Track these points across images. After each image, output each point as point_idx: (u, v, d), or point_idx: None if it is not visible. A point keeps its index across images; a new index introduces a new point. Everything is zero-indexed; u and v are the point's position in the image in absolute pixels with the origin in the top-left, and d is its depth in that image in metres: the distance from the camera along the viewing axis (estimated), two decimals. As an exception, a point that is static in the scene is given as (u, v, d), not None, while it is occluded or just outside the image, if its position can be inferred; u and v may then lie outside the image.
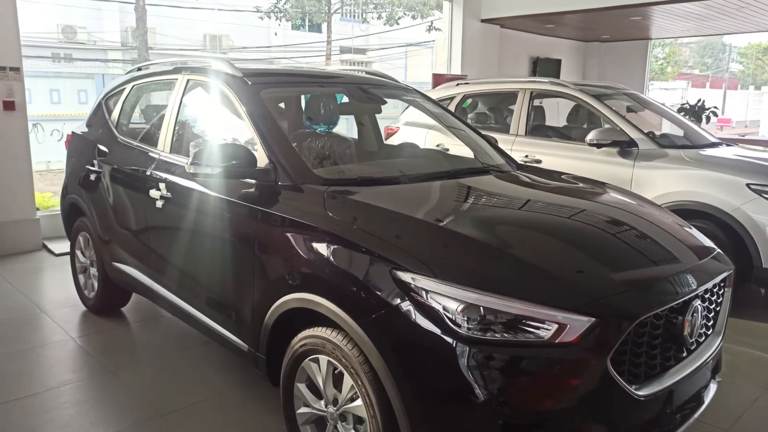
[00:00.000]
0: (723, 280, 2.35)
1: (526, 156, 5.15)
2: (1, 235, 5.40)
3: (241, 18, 21.85)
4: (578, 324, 1.76)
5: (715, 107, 8.82)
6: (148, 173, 3.18)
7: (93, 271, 4.00)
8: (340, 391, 2.16)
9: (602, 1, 8.38)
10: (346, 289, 2.04)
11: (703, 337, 2.25)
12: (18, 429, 2.70)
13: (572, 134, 5.65)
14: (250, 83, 2.87)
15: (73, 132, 4.25)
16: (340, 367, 2.11)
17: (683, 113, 8.73)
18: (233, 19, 21.89)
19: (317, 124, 3.73)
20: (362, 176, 2.55)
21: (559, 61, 11.78)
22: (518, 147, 5.26)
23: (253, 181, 2.54)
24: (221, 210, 2.68)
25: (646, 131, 4.87)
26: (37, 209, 5.86)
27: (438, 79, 8.73)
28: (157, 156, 3.21)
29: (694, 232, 2.55)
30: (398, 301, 1.88)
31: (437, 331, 1.81)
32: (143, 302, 4.18)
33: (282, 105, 3.79)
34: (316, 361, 2.23)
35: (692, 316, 2.05)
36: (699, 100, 8.98)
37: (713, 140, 5.22)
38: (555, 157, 5.02)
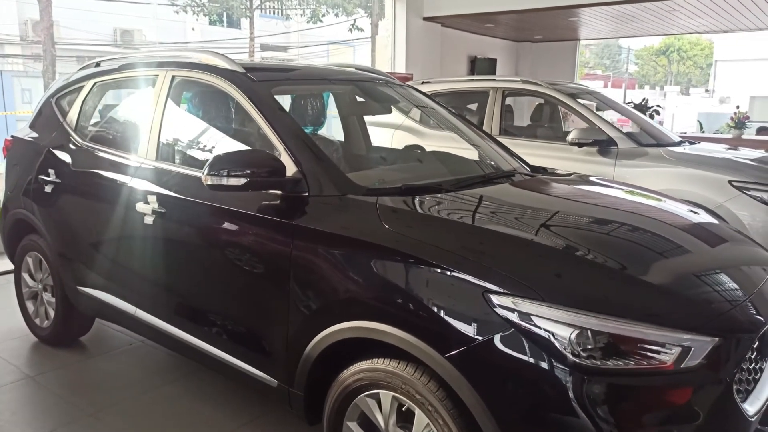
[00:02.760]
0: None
1: (502, 156, 5.04)
2: None
3: (154, 12, 20.59)
4: (702, 345, 1.61)
5: (658, 106, 9.20)
6: (130, 184, 2.75)
7: (47, 296, 3.47)
8: (406, 429, 1.90)
9: (540, 1, 8.51)
10: (425, 316, 1.78)
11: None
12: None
13: (539, 133, 5.63)
14: (255, 80, 2.53)
15: (13, 136, 3.67)
16: (410, 404, 1.85)
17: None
18: (146, 13, 20.60)
19: (303, 125, 3.43)
20: (405, 185, 2.27)
21: (494, 61, 11.91)
22: (493, 147, 5.14)
23: (279, 193, 2.22)
24: (236, 226, 2.33)
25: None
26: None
27: (386, 78, 8.53)
28: (138, 164, 2.78)
29: (747, 235, 2.49)
30: (497, 329, 1.65)
31: (547, 361, 1.59)
32: (103, 329, 3.70)
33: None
34: (375, 396, 1.96)
35: (772, 323, 1.96)
36: (643, 99, 9.33)
37: (676, 138, 5.34)
38: (533, 156, 4.89)
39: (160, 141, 2.75)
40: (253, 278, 2.28)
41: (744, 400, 1.79)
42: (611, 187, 2.85)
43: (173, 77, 2.81)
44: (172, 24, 21.22)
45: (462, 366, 1.70)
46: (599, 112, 5.62)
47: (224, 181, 2.11)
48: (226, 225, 2.37)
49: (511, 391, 1.66)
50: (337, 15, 22.11)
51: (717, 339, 1.62)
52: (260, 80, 2.54)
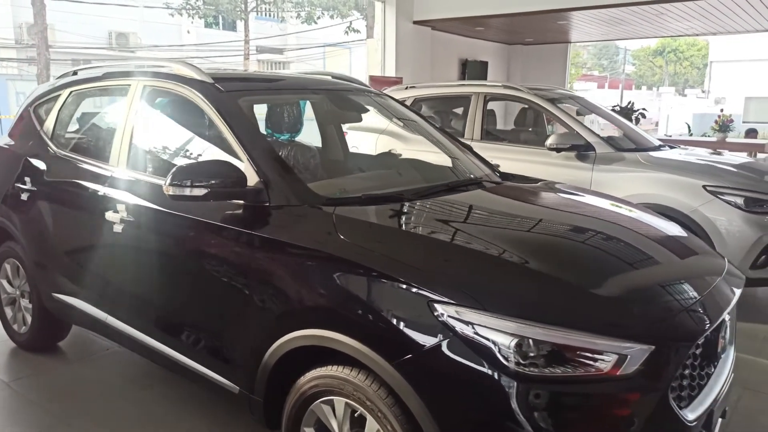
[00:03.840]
0: (735, 290, 2.34)
1: (483, 161, 5.08)
2: None
3: (149, 15, 20.65)
4: (639, 353, 1.65)
5: (644, 109, 9.25)
6: (100, 192, 2.79)
7: (25, 303, 3.51)
8: (359, 435, 1.94)
9: (530, 5, 8.57)
10: (373, 325, 1.82)
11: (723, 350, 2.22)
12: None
13: (522, 138, 5.68)
14: (223, 90, 2.57)
15: (-11, 144, 3.71)
16: (361, 410, 1.89)
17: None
18: (141, 16, 20.65)
19: (280, 133, 3.47)
20: (366, 194, 2.32)
21: (485, 63, 11.97)
22: (474, 152, 5.19)
23: (241, 202, 2.26)
24: (200, 235, 2.37)
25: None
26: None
27: (375, 82, 8.57)
28: (110, 173, 2.82)
29: (704, 244, 2.53)
30: (440, 337, 1.69)
31: (487, 368, 1.63)
32: (82, 335, 3.73)
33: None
34: (330, 403, 1.99)
35: (724, 331, 2.01)
36: (629, 102, 9.38)
37: (656, 143, 5.39)
38: (513, 161, 4.97)
39: (130, 150, 2.79)
40: (216, 286, 2.31)
41: (686, 405, 1.83)
42: (574, 194, 2.89)
43: (144, 87, 2.85)
44: (168, 27, 21.28)
45: (407, 373, 1.74)
46: (580, 117, 5.68)
47: (186, 192, 2.15)
48: (191, 234, 2.41)
49: (453, 399, 1.70)
50: (332, 17, 22.17)
51: (654, 347, 1.66)
52: (228, 90, 2.58)
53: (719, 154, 5.73)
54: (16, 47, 18.77)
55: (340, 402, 1.96)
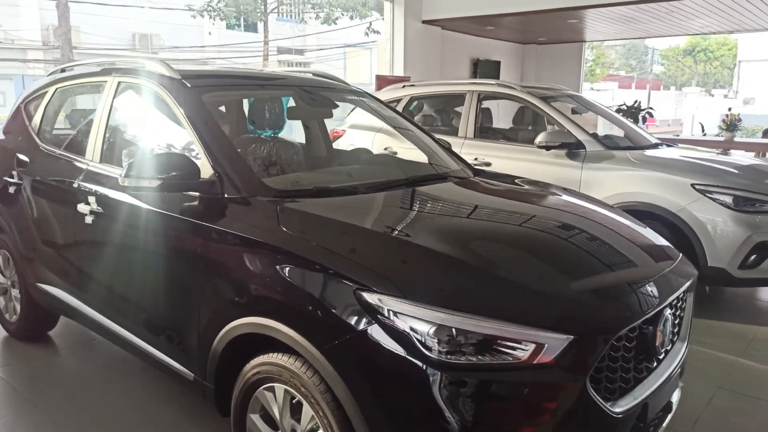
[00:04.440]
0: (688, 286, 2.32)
1: (476, 159, 5.08)
2: None
3: (172, 17, 21.03)
4: (556, 343, 1.66)
5: (651, 108, 9.12)
6: (75, 185, 2.89)
7: (15, 292, 3.64)
8: (298, 421, 1.98)
9: (539, 3, 8.51)
10: (304, 312, 1.87)
11: (670, 345, 2.20)
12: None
13: (519, 136, 5.65)
14: (189, 86, 2.64)
15: (-13, 140, 3.85)
16: (299, 396, 1.93)
17: (620, 114, 8.98)
18: (164, 18, 21.04)
19: (262, 129, 3.53)
20: (317, 186, 2.37)
21: (498, 63, 11.92)
22: (467, 150, 5.19)
23: (197, 194, 2.32)
24: (161, 226, 2.44)
25: (591, 133, 4.91)
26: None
27: (381, 81, 8.63)
28: (85, 166, 2.92)
29: (658, 238, 2.51)
30: (364, 324, 1.73)
31: (407, 355, 1.66)
32: (73, 325, 3.84)
33: (223, 108, 3.57)
34: (272, 390, 2.04)
35: (663, 325, 2.00)
36: (635, 101, 9.27)
37: (654, 141, 5.32)
38: (505, 159, 4.99)
39: (104, 144, 2.89)
40: (172, 276, 2.39)
41: (617, 397, 1.83)
42: (536, 190, 2.89)
43: (119, 83, 2.95)
44: (190, 28, 21.64)
45: (334, 360, 1.78)
46: (576, 115, 5.64)
47: (141, 183, 2.23)
48: (152, 225, 2.48)
49: (376, 385, 1.73)
50: (351, 18, 22.29)
51: (572, 337, 1.67)
52: (193, 86, 2.65)
53: (726, 154, 5.64)
54: (43, 49, 19.31)
55: (280, 389, 2.00)
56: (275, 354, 1.99)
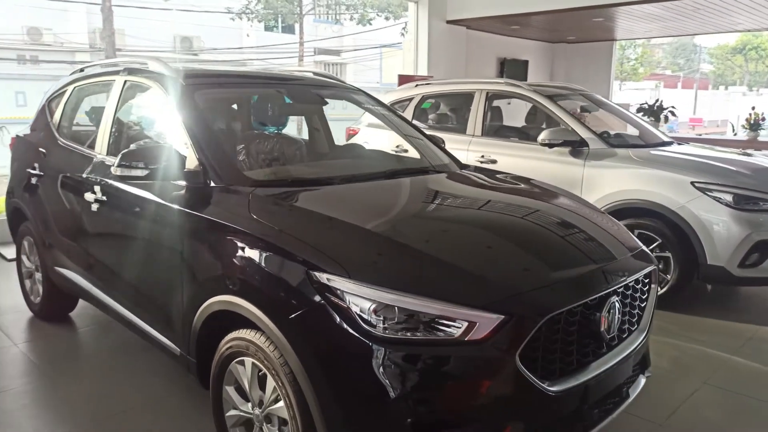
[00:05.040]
0: (647, 277, 2.39)
1: (482, 156, 5.18)
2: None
3: (212, 19, 21.66)
4: (487, 321, 1.78)
5: (673, 107, 8.97)
6: (84, 176, 3.14)
7: (38, 276, 3.93)
8: (264, 393, 2.14)
9: (564, 2, 8.49)
10: (265, 290, 2.04)
11: (627, 333, 2.28)
12: (-55, 439, 2.65)
13: (530, 135, 5.70)
14: (184, 84, 2.84)
15: (17, 135, 4.17)
16: (264, 369, 2.09)
17: (642, 113, 8.87)
18: (204, 21, 21.68)
19: (266, 126, 3.73)
20: (294, 177, 2.53)
21: (526, 62, 11.88)
22: (474, 147, 5.29)
23: (184, 183, 2.52)
24: (152, 213, 2.64)
25: (600, 131, 4.94)
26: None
27: (403, 80, 8.75)
28: (93, 158, 3.17)
29: (621, 230, 2.58)
30: (314, 302, 1.88)
31: (350, 330, 1.81)
32: (91, 307, 4.11)
33: (235, 106, 3.77)
34: (242, 363, 2.21)
35: (609, 312, 2.08)
36: (657, 100, 9.13)
37: (666, 139, 5.30)
38: (510, 157, 5.07)
39: (110, 138, 3.13)
40: (161, 258, 2.59)
41: (556, 377, 1.93)
42: (512, 184, 2.98)
43: (125, 81, 3.18)
44: (229, 30, 22.23)
45: (288, 333, 1.94)
46: (587, 114, 5.66)
47: (128, 172, 2.44)
48: (146, 211, 2.69)
49: (323, 357, 1.88)
50: (386, 18, 22.47)
51: (502, 317, 1.78)
52: (188, 84, 2.85)
53: (747, 154, 5.56)
54: (89, 51, 20.18)
55: (248, 362, 2.17)
56: (244, 330, 2.16)
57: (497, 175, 3.13)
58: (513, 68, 11.49)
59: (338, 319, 1.83)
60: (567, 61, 12.57)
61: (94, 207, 3.00)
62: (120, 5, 17.46)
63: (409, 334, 1.79)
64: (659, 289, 4.21)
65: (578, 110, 5.66)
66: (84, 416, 2.82)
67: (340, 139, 6.30)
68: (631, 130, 5.58)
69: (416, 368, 1.78)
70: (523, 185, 2.96)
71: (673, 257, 4.20)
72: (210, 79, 3.13)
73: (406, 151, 4.65)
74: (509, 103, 6.04)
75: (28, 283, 4.11)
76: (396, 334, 1.78)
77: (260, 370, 2.13)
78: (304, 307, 1.91)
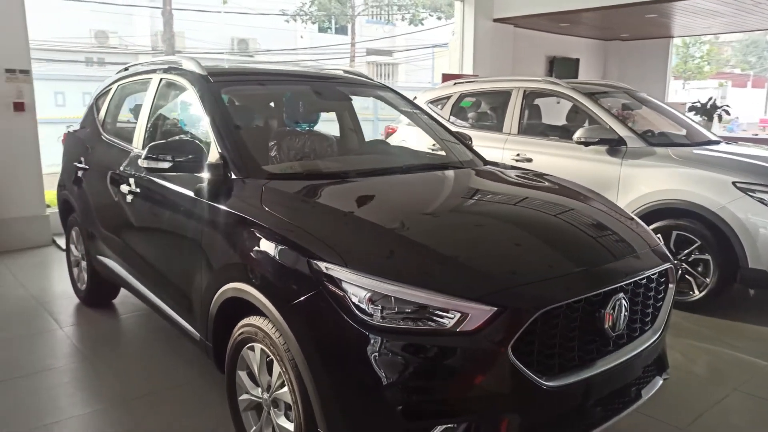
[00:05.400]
0: (662, 275, 2.33)
1: (518, 155, 5.13)
2: (11, 230, 5.65)
3: (267, 21, 22.18)
4: (480, 313, 1.78)
5: (727, 106, 8.57)
6: (121, 169, 3.31)
7: (84, 264, 4.16)
8: (272, 378, 2.21)
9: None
10: (270, 278, 2.11)
11: (639, 332, 2.23)
12: (-11, 411, 2.86)
13: (570, 133, 5.59)
14: (212, 81, 2.96)
15: (68, 131, 4.43)
16: (271, 355, 2.16)
17: (694, 112, 8.52)
18: (260, 23, 22.23)
19: (298, 123, 3.83)
20: (309, 171, 2.60)
21: (577, 61, 11.63)
22: (510, 146, 5.24)
23: (206, 176, 2.62)
24: (178, 203, 2.77)
25: (643, 130, 4.81)
26: (48, 206, 6.09)
27: (447, 80, 8.73)
28: (130, 152, 3.33)
29: (639, 228, 2.52)
30: (314, 290, 1.93)
31: (346, 318, 1.85)
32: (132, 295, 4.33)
33: (272, 104, 3.89)
34: (252, 349, 2.29)
35: (614, 309, 2.04)
36: (710, 99, 8.76)
37: (713, 138, 5.11)
38: (546, 155, 5.00)
39: (145, 133, 3.29)
40: (184, 246, 2.71)
41: (556, 372, 1.91)
42: (527, 182, 2.95)
43: (161, 79, 3.34)
44: (284, 32, 22.71)
45: (289, 319, 2.00)
46: (630, 112, 5.51)
47: (154, 164, 2.56)
48: (172, 202, 2.83)
49: (320, 343, 1.93)
50: (439, 18, 22.42)
51: (495, 309, 1.78)
52: (215, 81, 2.97)
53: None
54: (151, 53, 21.03)
55: (258, 348, 2.24)
56: (255, 317, 2.24)
57: (516, 172, 3.10)
58: (563, 67, 11.28)
59: (335, 306, 1.88)
60: (620, 59, 12.22)
61: (129, 198, 3.16)
62: (180, 8, 18.13)
63: (402, 323, 1.81)
64: (697, 292, 4.11)
65: (620, 108, 5.51)
66: (116, 396, 2.98)
67: (376, 137, 6.35)
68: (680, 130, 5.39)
69: (408, 357, 1.81)
70: (538, 181, 2.93)
71: (712, 260, 4.05)
72: (237, 77, 3.25)
73: (440, 149, 4.67)
74: (558, 102, 5.95)
75: (75, 271, 4.35)
76: (389, 323, 1.81)
77: (268, 356, 2.21)
78: (304, 294, 1.96)
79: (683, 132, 5.28)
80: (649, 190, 4.30)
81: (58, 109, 11.42)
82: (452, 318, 1.79)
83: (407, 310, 1.81)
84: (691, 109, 8.73)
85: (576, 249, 2.17)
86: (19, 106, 5.58)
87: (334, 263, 1.91)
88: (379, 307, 1.82)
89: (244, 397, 2.38)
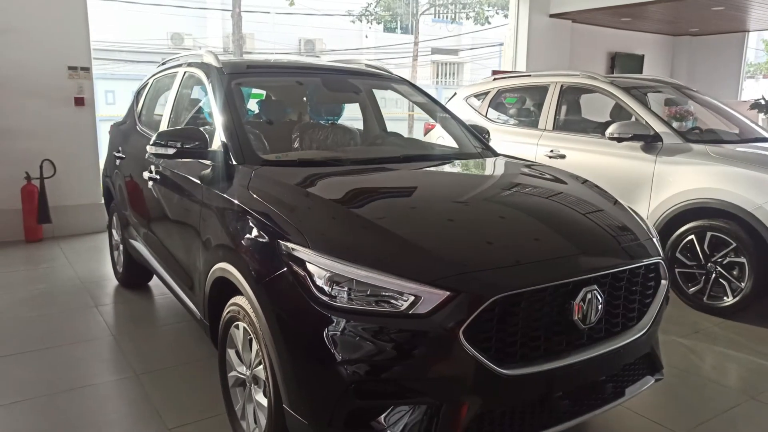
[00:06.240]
0: (652, 270, 2.24)
1: (551, 151, 5.02)
2: (69, 217, 6.08)
3: (333, 22, 22.60)
4: (433, 297, 1.80)
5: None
6: (146, 156, 3.51)
7: (122, 248, 4.43)
8: (252, 355, 2.30)
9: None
10: (246, 258, 2.20)
11: (620, 327, 2.16)
12: (23, 375, 3.11)
13: (598, 129, 5.41)
14: (225, 73, 3.09)
15: (112, 123, 4.73)
16: (251, 334, 2.25)
17: (756, 109, 7.99)
18: (326, 23, 22.68)
19: (321, 117, 3.93)
20: (302, 159, 2.68)
21: (641, 57, 11.17)
22: (545, 142, 5.14)
23: (210, 162, 2.75)
24: (185, 188, 2.92)
25: (691, 126, 4.59)
26: (105, 195, 6.50)
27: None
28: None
29: (630, 220, 2.42)
30: (281, 269, 2.00)
31: (306, 297, 1.90)
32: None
33: (305, 99, 4.02)
34: (238, 327, 2.38)
35: (584, 301, 1.98)
36: (762, 96, 8.17)
37: (763, 135, 4.81)
38: (579, 151, 4.87)
39: (169, 122, 3.48)
40: (189, 229, 2.85)
41: (516, 361, 1.89)
42: (526, 173, 2.90)
43: (184, 73, 3.51)
44: (349, 33, 23.06)
45: (260, 297, 2.08)
46: (671, 106, 5.27)
47: (161, 151, 2.71)
48: (180, 186, 2.98)
49: (283, 319, 1.99)
50: (505, 16, 22.06)
51: (447, 293, 1.79)
52: (228, 73, 3.10)
53: None
54: (222, 54, 21.89)
55: (241, 326, 2.34)
56: (239, 296, 2.33)
57: (515, 163, 3.07)
58: (625, 63, 10.86)
59: (298, 286, 1.94)
60: (690, 55, 11.62)
61: (150, 184, 3.35)
62: (248, 11, 18.78)
63: (359, 304, 1.85)
64: (731, 297, 3.89)
65: (663, 104, 5.28)
66: (131, 369, 3.17)
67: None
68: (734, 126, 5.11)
69: (362, 337, 1.84)
70: (533, 171, 2.88)
71: (748, 263, 3.82)
72: (248, 69, 3.36)
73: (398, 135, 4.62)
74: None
75: (115, 254, 4.64)
76: (347, 304, 1.85)
77: (249, 334, 2.30)
78: (272, 273, 2.03)
79: (735, 129, 5.00)
80: (682, 189, 4.11)
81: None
82: (406, 301, 1.81)
83: (366, 292, 1.85)
84: (753, 106, 8.20)
85: (548, 238, 2.13)
86: (79, 101, 5.99)
87: (300, 245, 1.97)
88: (340, 288, 1.87)
89: (232, 373, 2.48)
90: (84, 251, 5.59)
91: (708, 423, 2.70)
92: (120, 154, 4.15)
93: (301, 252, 1.96)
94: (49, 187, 5.85)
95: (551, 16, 9.52)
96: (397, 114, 13.57)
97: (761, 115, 7.97)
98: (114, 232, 4.62)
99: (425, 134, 6.39)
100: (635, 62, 11.04)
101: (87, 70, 6.01)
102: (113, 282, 4.65)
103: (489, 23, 22.12)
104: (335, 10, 21.89)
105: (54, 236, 6.02)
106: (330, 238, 2.00)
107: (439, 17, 25.80)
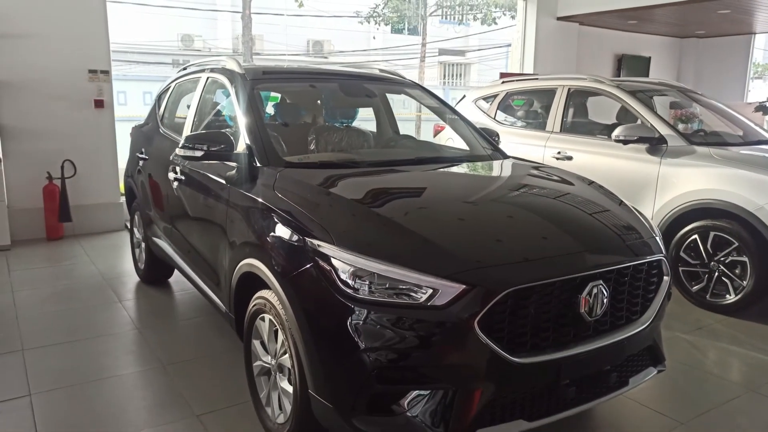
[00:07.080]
0: (655, 267, 2.38)
1: (558, 153, 5.15)
2: (89, 215, 6.26)
3: (341, 23, 22.77)
4: (449, 290, 1.94)
5: (786, 104, 8.08)
6: (171, 158, 3.67)
7: (144, 245, 4.60)
8: (277, 345, 2.45)
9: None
10: (274, 254, 2.35)
11: (624, 320, 2.30)
12: (56, 365, 3.28)
13: (606, 131, 5.54)
14: (248, 79, 3.25)
15: (134, 126, 4.90)
16: (277, 325, 2.40)
17: (761, 111, 8.09)
18: (335, 25, 22.85)
19: (336, 119, 4.09)
20: (322, 161, 2.83)
21: (648, 59, 11.27)
22: (552, 144, 5.27)
23: (235, 164, 2.91)
24: (211, 189, 3.08)
25: (695, 129, 4.71)
26: (122, 194, 6.67)
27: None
28: (179, 143, 3.69)
29: (634, 219, 2.56)
30: (307, 264, 2.15)
31: (331, 290, 2.05)
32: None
33: (319, 102, 4.17)
34: (264, 319, 2.54)
35: (590, 295, 2.12)
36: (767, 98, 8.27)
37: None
38: (586, 153, 5.00)
39: (192, 126, 3.63)
40: (215, 226, 3.01)
41: (527, 350, 2.03)
42: (534, 174, 3.05)
43: (207, 78, 3.67)
44: (357, 34, 23.21)
45: (287, 290, 2.23)
46: (679, 110, 5.39)
47: (190, 153, 2.87)
48: (206, 186, 3.14)
49: (310, 312, 2.14)
50: (513, 17, 22.17)
51: (463, 287, 1.93)
52: (251, 79, 3.26)
53: None
54: (232, 56, 22.12)
55: (267, 318, 2.50)
56: (265, 290, 2.49)
57: (522, 165, 3.21)
58: (632, 65, 10.97)
59: (323, 280, 2.09)
60: (697, 57, 11.72)
61: (175, 185, 3.51)
62: (258, 12, 18.97)
63: (380, 296, 2.00)
64: (733, 295, 4.01)
65: (667, 107, 5.40)
66: (156, 361, 3.33)
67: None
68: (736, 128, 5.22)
69: (384, 326, 1.98)
70: (541, 172, 3.03)
71: (750, 262, 3.94)
72: (270, 75, 3.52)
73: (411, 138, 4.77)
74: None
75: (137, 252, 4.81)
76: (369, 296, 2.00)
77: (275, 326, 2.45)
78: (299, 268, 2.19)
79: (739, 132, 5.12)
80: (686, 190, 4.24)
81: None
82: (425, 293, 1.96)
83: (386, 285, 2.00)
84: (758, 108, 8.30)
85: (555, 236, 2.27)
86: (99, 103, 6.17)
87: (325, 241, 2.12)
88: (362, 282, 2.01)
89: (257, 363, 2.64)
90: (103, 249, 5.77)
91: (708, 413, 2.83)
92: (143, 155, 4.32)
93: (327, 248, 2.10)
94: (70, 187, 6.04)
95: (558, 19, 9.65)
96: (405, 115, 13.72)
97: (766, 117, 8.07)
98: (135, 230, 4.79)
99: (434, 135, 6.54)
100: (642, 64, 11.15)
101: (106, 73, 6.18)
102: (134, 278, 4.82)
103: (496, 24, 22.22)
104: (343, 12, 22.06)
105: (74, 234, 6.20)
106: (353, 235, 2.15)
107: (446, 18, 25.92)
